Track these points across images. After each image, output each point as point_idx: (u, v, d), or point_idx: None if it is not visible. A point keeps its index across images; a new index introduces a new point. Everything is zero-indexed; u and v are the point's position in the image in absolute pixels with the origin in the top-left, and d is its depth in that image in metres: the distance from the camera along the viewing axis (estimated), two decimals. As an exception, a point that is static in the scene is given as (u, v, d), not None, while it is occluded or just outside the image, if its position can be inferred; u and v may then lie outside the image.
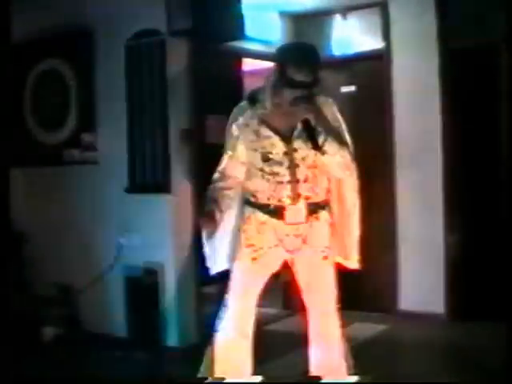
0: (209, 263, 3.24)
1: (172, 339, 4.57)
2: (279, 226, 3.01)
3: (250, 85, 5.47)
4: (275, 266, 3.15)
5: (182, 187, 4.63)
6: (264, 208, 3.02)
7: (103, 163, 4.95)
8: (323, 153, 2.88)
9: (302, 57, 2.87)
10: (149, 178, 4.66)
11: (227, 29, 4.49)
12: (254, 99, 3.02)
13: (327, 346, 3.18)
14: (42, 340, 4.84)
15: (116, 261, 4.79)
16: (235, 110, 3.10)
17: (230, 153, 3.08)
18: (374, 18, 5.36)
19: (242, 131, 3.02)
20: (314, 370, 3.24)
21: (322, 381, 3.36)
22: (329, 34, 5.63)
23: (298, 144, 2.93)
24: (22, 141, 5.35)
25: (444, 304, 5.06)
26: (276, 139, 2.94)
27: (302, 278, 3.15)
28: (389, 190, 5.32)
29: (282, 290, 5.58)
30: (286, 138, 2.95)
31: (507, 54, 4.74)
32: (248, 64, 5.51)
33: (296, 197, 2.96)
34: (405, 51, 5.23)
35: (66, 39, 5.04)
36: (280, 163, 2.95)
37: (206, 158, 4.77)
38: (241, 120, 3.02)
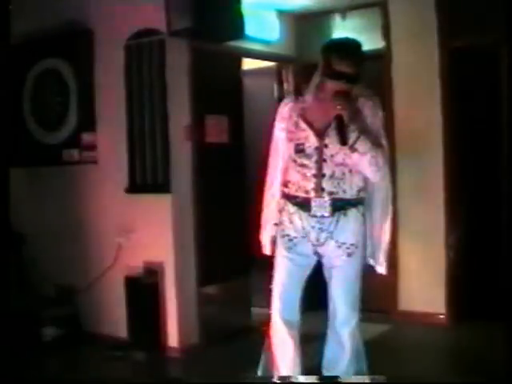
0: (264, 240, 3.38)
1: (172, 340, 4.57)
2: (305, 218, 3.12)
3: (249, 85, 5.48)
4: (309, 256, 3.22)
5: (182, 187, 4.63)
6: (293, 199, 3.16)
7: (103, 163, 4.94)
8: (353, 150, 2.97)
9: (346, 49, 3.02)
10: (149, 178, 4.65)
11: (227, 28, 4.48)
12: (298, 93, 3.21)
13: (341, 344, 3.27)
14: (42, 340, 4.84)
15: (116, 261, 4.79)
16: (282, 103, 3.27)
17: (280, 146, 3.20)
18: (373, 17, 5.36)
19: (285, 122, 3.16)
20: (325, 363, 3.33)
21: (322, 381, 3.39)
22: (329, 34, 5.63)
23: (329, 140, 3.04)
24: (21, 141, 5.35)
25: (445, 304, 5.05)
26: (310, 133, 3.08)
27: (326, 272, 3.26)
28: (389, 189, 5.30)
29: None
30: (320, 134, 3.06)
31: (507, 53, 4.74)
32: (248, 64, 5.51)
33: (319, 191, 3.06)
34: (405, 51, 5.22)
35: (66, 39, 5.03)
36: (309, 156, 3.07)
37: (205, 158, 4.79)
38: (285, 112, 3.18)
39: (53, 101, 5.19)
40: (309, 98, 3.13)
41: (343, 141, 2.94)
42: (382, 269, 3.27)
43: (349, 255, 3.14)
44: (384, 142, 3.10)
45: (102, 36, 4.87)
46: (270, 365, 3.34)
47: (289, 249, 3.20)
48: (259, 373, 3.41)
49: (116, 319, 4.77)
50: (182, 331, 4.57)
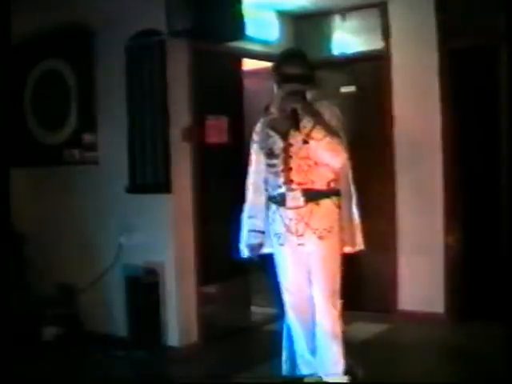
0: (242, 247, 3.67)
1: (172, 339, 4.58)
2: (284, 212, 3.42)
3: (249, 85, 5.49)
4: (298, 248, 3.44)
5: (182, 187, 4.64)
6: (272, 199, 3.50)
7: (103, 163, 4.95)
8: (310, 138, 3.29)
9: (290, 55, 3.62)
10: (149, 178, 4.66)
11: (227, 29, 4.49)
12: (267, 109, 3.60)
13: (323, 334, 3.42)
14: (42, 340, 4.85)
15: (116, 261, 4.80)
16: (258, 120, 3.67)
17: (254, 156, 3.63)
18: (373, 18, 5.37)
19: (258, 136, 3.60)
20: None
21: (322, 381, 3.42)
22: (328, 34, 5.64)
23: (292, 140, 3.40)
24: (22, 141, 5.36)
25: (444, 304, 5.06)
26: (276, 138, 3.47)
27: (308, 260, 3.46)
28: (389, 190, 5.32)
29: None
30: (284, 136, 3.44)
31: (507, 53, 4.74)
32: (248, 64, 5.52)
33: (289, 182, 3.39)
34: (404, 51, 5.23)
35: (67, 39, 5.04)
36: (277, 156, 3.44)
37: (205, 158, 4.80)
38: (258, 127, 3.62)
39: (53, 101, 5.21)
40: (274, 110, 3.52)
41: (297, 127, 3.29)
42: (360, 246, 3.53)
43: (320, 238, 3.39)
44: (342, 135, 3.38)
45: (102, 36, 4.88)
46: (291, 362, 3.59)
47: (281, 245, 3.48)
48: (283, 372, 3.60)
49: (116, 318, 4.78)
50: (182, 330, 4.58)
